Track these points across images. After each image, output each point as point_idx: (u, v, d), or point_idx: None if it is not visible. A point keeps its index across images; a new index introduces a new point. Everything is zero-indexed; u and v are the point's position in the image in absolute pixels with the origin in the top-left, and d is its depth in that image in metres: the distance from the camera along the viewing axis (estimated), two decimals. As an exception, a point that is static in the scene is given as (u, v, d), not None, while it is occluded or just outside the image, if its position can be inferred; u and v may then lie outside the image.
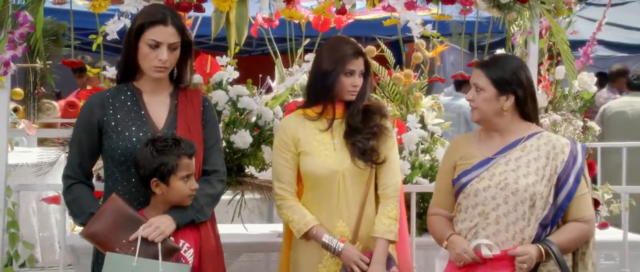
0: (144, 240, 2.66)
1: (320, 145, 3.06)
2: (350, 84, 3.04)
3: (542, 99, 3.66)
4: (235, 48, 3.75)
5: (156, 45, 2.80)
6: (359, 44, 3.14)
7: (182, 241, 2.74)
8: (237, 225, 4.04)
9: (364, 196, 3.05)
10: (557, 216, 2.88)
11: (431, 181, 4.03)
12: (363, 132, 3.04)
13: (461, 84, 7.43)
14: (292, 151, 3.07)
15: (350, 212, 3.04)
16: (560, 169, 2.88)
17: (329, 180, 3.03)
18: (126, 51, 2.87)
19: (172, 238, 2.72)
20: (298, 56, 4.32)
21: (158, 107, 2.90)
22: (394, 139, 3.14)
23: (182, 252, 2.73)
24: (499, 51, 4.19)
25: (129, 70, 2.91)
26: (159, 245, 2.65)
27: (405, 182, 3.78)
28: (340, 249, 2.97)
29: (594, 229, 2.99)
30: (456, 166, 3.00)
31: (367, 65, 3.09)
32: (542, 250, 2.80)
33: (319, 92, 3.06)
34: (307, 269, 3.08)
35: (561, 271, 2.82)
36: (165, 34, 2.80)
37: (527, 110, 2.95)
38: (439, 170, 3.15)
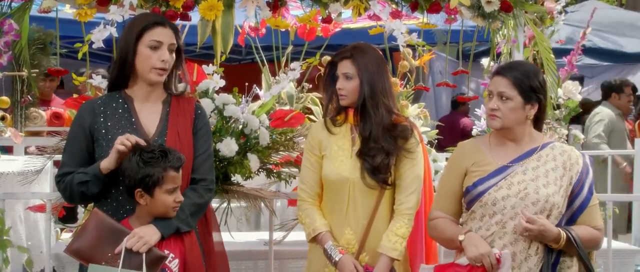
0: (129, 251, 2.64)
1: (340, 150, 3.08)
2: (337, 87, 3.07)
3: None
4: (221, 56, 3.76)
5: (157, 46, 2.82)
6: (350, 47, 3.11)
7: (166, 251, 2.73)
8: (223, 233, 4.03)
9: (373, 208, 3.04)
10: (570, 225, 2.89)
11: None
12: (374, 148, 3.01)
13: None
14: (317, 154, 3.11)
15: (358, 222, 3.04)
16: (575, 179, 2.89)
17: (339, 186, 3.05)
18: (122, 58, 2.86)
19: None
20: (283, 64, 4.34)
21: (149, 115, 2.90)
22: (416, 159, 3.06)
23: (166, 262, 2.71)
24: (485, 60, 4.23)
25: (121, 79, 2.91)
26: (144, 255, 2.64)
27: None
28: (337, 259, 2.98)
29: (602, 240, 3.00)
30: (468, 173, 2.96)
31: (358, 67, 3.04)
32: (563, 234, 2.80)
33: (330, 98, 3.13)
34: (316, 270, 3.12)
35: (579, 257, 2.84)
36: (165, 34, 2.84)
37: (541, 118, 2.95)
38: (445, 175, 3.09)
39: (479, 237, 2.87)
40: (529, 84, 2.86)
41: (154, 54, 2.82)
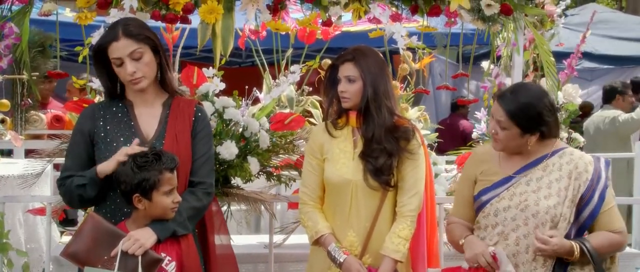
0: (125, 254, 2.64)
1: (341, 153, 3.07)
2: (339, 90, 3.06)
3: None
4: (221, 60, 3.76)
5: (119, 63, 2.82)
6: (352, 50, 3.10)
7: (163, 254, 2.72)
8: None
9: (376, 210, 3.03)
10: (580, 235, 2.85)
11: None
12: (377, 149, 3.01)
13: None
14: (318, 158, 3.10)
15: (361, 224, 3.03)
16: (583, 188, 2.84)
17: (342, 188, 3.05)
18: (104, 73, 2.88)
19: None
20: (284, 67, 4.34)
21: (149, 119, 2.90)
22: (418, 161, 3.05)
23: (163, 265, 2.70)
24: (485, 62, 4.23)
25: (115, 88, 2.92)
26: (139, 258, 2.64)
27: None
28: (341, 260, 2.98)
29: (625, 241, 2.93)
30: (477, 181, 2.97)
31: (361, 69, 3.03)
32: (576, 247, 2.77)
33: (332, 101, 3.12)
34: None
35: (595, 268, 2.80)
36: (120, 49, 2.80)
37: (550, 135, 2.88)
38: (460, 181, 3.12)
39: (477, 238, 2.87)
40: (526, 117, 2.82)
41: (121, 70, 2.83)
